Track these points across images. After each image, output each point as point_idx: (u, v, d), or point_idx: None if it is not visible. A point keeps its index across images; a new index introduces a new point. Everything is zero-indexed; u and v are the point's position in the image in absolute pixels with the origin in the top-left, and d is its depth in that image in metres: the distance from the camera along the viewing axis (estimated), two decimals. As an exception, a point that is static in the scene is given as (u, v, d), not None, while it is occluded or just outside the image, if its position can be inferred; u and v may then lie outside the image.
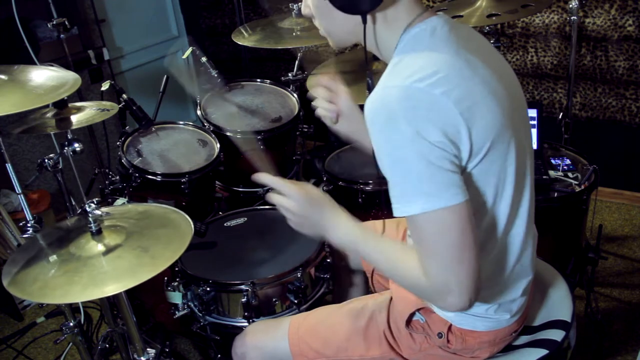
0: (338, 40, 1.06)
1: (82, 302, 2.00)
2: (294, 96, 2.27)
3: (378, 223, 1.54)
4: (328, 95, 1.29)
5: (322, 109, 1.29)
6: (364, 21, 0.97)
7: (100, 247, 1.22)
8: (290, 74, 2.34)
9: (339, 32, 1.04)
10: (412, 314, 1.16)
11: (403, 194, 0.90)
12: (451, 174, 0.88)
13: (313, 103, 1.32)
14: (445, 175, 0.88)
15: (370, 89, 1.06)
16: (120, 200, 1.76)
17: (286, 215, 1.12)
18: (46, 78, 1.41)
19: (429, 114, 0.87)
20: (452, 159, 0.89)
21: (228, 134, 2.04)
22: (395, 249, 1.02)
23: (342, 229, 1.08)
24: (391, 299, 1.22)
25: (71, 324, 1.63)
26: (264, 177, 1.14)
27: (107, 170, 2.63)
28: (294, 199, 1.09)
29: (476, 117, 0.90)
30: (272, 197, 1.12)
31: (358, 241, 1.06)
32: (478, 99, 0.91)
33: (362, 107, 1.82)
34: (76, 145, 1.59)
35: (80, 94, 2.68)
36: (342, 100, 1.29)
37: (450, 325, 1.11)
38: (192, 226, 1.28)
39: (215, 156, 1.95)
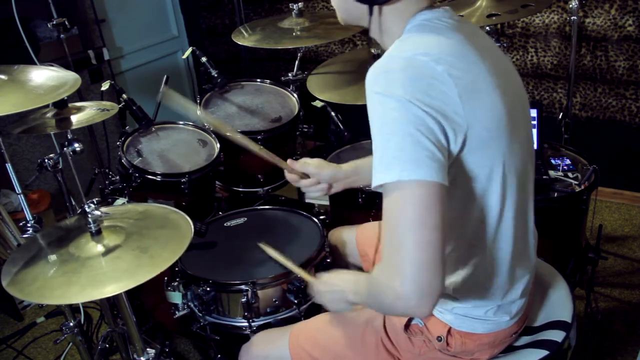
0: (345, 20, 1.07)
1: (82, 303, 2.00)
2: (294, 96, 2.27)
3: (378, 224, 1.54)
4: (307, 183, 1.38)
5: (313, 193, 1.39)
6: (370, 13, 0.98)
7: (99, 248, 1.22)
8: (290, 74, 2.34)
9: (347, 14, 1.05)
10: (411, 318, 1.16)
11: (383, 158, 0.87)
12: (435, 150, 0.85)
13: (306, 196, 1.39)
14: (429, 150, 0.85)
15: None
16: (120, 200, 1.76)
17: (325, 304, 1.20)
18: (46, 78, 1.41)
19: (428, 86, 0.87)
20: (440, 137, 0.87)
21: (228, 134, 2.04)
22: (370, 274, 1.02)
23: (352, 285, 1.10)
24: None
25: (71, 324, 1.63)
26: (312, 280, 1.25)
27: (107, 170, 2.63)
28: (318, 294, 1.20)
29: (475, 104, 0.89)
30: (316, 299, 1.22)
31: (359, 286, 1.07)
32: (480, 87, 0.91)
33: (364, 107, 1.84)
34: (76, 145, 1.59)
35: (80, 94, 2.69)
36: (320, 175, 1.37)
37: (450, 328, 1.11)
38: (192, 227, 1.28)
39: (215, 156, 1.95)
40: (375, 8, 0.98)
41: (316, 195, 1.38)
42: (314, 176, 1.38)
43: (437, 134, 0.86)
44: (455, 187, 0.92)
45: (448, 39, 0.93)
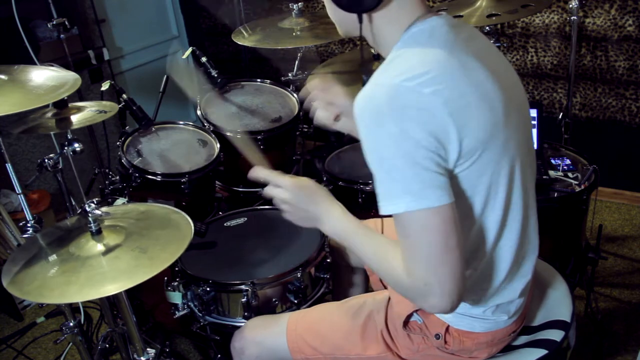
0: (344, 30, 1.07)
1: (81, 302, 2.00)
2: (294, 96, 2.27)
3: (378, 222, 1.54)
4: (326, 97, 1.31)
5: (321, 111, 1.32)
6: (360, 20, 0.98)
7: (99, 247, 1.22)
8: (290, 74, 2.34)
9: (343, 24, 1.05)
10: (410, 315, 1.16)
11: (388, 192, 0.90)
12: (437, 175, 0.88)
13: (312, 105, 1.33)
14: (431, 176, 0.87)
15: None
16: (120, 200, 1.76)
17: (282, 207, 1.14)
18: (46, 78, 1.41)
19: (417, 114, 0.87)
20: (439, 160, 0.88)
21: (228, 134, 2.04)
22: (383, 244, 1.02)
23: (334, 219, 1.09)
24: (389, 298, 1.22)
25: (71, 324, 1.63)
26: (259, 172, 1.17)
27: (107, 170, 2.63)
28: (288, 191, 1.11)
29: (466, 118, 0.89)
30: (268, 190, 1.15)
31: (349, 232, 1.07)
32: (469, 100, 0.91)
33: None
34: (76, 145, 1.59)
35: (80, 94, 2.69)
36: (340, 99, 1.30)
37: (448, 326, 1.11)
38: (192, 227, 1.28)
39: (215, 156, 1.95)
40: (365, 16, 0.98)
41: (322, 117, 1.33)
42: (333, 95, 1.32)
43: (434, 158, 0.88)
44: (456, 203, 0.92)
45: (434, 54, 0.92)
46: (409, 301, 1.09)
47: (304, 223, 1.14)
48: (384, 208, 0.91)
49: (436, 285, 0.90)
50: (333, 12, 1.04)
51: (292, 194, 1.11)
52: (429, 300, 0.92)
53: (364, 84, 1.07)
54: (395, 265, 0.95)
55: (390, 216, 0.93)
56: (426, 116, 0.87)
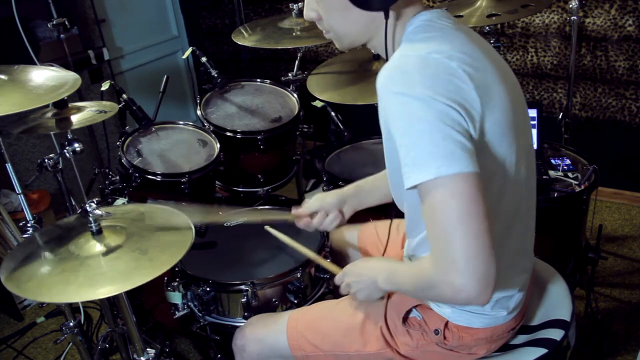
0: (350, 41, 1.06)
1: (81, 302, 2.00)
2: (294, 96, 2.27)
3: (379, 225, 1.54)
4: (319, 216, 1.39)
5: (328, 223, 1.40)
6: (386, 16, 0.97)
7: (99, 247, 1.22)
8: (290, 74, 2.34)
9: (351, 32, 1.04)
10: (409, 311, 1.16)
11: (416, 158, 0.86)
12: (465, 140, 0.86)
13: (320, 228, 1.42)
14: (460, 142, 0.85)
15: None
16: (120, 200, 1.76)
17: (355, 294, 1.18)
18: (46, 78, 1.41)
19: (447, 81, 0.88)
20: (466, 127, 0.88)
21: (228, 134, 2.05)
22: (415, 265, 1.04)
23: (385, 274, 1.10)
24: (389, 295, 1.22)
25: (71, 324, 1.63)
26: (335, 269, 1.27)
27: (107, 170, 2.63)
28: (347, 275, 1.19)
29: (489, 99, 0.91)
30: (342, 289, 1.22)
31: (398, 282, 1.08)
32: (491, 84, 0.93)
33: (364, 107, 1.85)
34: (76, 145, 1.59)
35: (80, 94, 2.69)
36: (325, 205, 1.39)
37: (447, 321, 1.12)
38: (193, 230, 1.28)
39: (215, 156, 1.95)
40: (379, 15, 0.98)
41: (334, 226, 1.41)
42: (321, 210, 1.39)
43: (463, 125, 0.87)
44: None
45: (455, 37, 0.95)
46: (443, 303, 1.11)
47: (374, 296, 1.16)
48: (412, 177, 0.87)
49: (462, 260, 0.84)
50: (341, 22, 1.03)
51: (349, 287, 1.18)
52: (454, 282, 0.85)
53: None
54: (422, 267, 0.95)
55: (392, 218, 0.93)
56: (455, 85, 0.88)
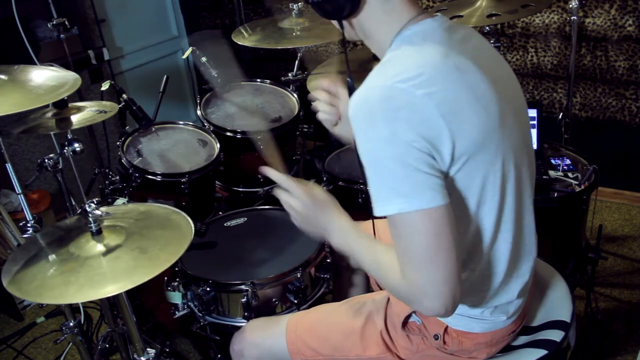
0: (369, 44, 1.07)
1: (81, 302, 2.00)
2: (294, 96, 2.27)
3: (377, 223, 1.54)
4: (329, 98, 1.31)
5: (323, 111, 1.31)
6: (341, 26, 1.01)
7: (99, 248, 1.22)
8: (290, 74, 2.34)
9: (350, 36, 1.07)
10: (409, 316, 1.16)
11: (380, 193, 0.90)
12: (429, 176, 0.87)
13: (314, 104, 1.33)
14: (423, 177, 0.87)
15: (350, 90, 1.09)
16: (120, 200, 1.76)
17: (290, 212, 1.15)
18: (46, 78, 1.41)
19: (409, 116, 0.87)
20: (431, 162, 0.88)
21: (228, 134, 2.05)
22: (382, 251, 1.02)
23: (341, 230, 1.10)
24: (388, 299, 1.22)
25: (71, 324, 1.63)
26: (272, 173, 1.18)
27: (107, 170, 2.63)
28: (299, 198, 1.13)
29: (459, 120, 0.89)
30: (278, 194, 1.16)
31: (351, 243, 1.08)
32: (463, 103, 0.91)
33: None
34: (76, 145, 1.59)
35: (80, 94, 2.68)
36: (342, 103, 1.30)
37: (447, 327, 1.11)
38: (193, 228, 1.28)
39: (215, 156, 1.95)
40: (345, 22, 1.01)
41: (323, 116, 1.33)
42: (337, 98, 1.31)
43: (426, 159, 0.88)
44: (451, 204, 0.91)
45: (428, 57, 0.92)
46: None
47: (311, 230, 1.15)
48: (377, 209, 0.91)
49: (429, 287, 0.90)
50: (347, 31, 1.05)
51: (302, 202, 1.13)
52: (423, 303, 0.91)
53: (349, 88, 1.08)
54: (392, 270, 0.96)
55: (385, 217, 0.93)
56: (418, 118, 0.87)
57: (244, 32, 2.32)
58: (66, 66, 2.01)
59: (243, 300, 1.43)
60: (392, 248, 0.96)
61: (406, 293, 0.95)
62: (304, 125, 2.25)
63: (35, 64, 2.25)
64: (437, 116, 0.87)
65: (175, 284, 1.54)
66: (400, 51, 0.96)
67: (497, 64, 1.04)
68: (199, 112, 2.14)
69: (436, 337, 1.12)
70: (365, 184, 1.89)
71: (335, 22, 1.03)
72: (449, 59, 0.92)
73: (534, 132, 1.90)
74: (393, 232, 0.92)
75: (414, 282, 0.91)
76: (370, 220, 1.56)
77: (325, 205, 1.13)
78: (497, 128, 0.94)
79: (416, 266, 0.90)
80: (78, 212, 1.38)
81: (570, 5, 2.10)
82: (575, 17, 2.12)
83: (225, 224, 1.74)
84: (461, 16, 2.00)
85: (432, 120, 0.87)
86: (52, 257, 1.22)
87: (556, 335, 1.19)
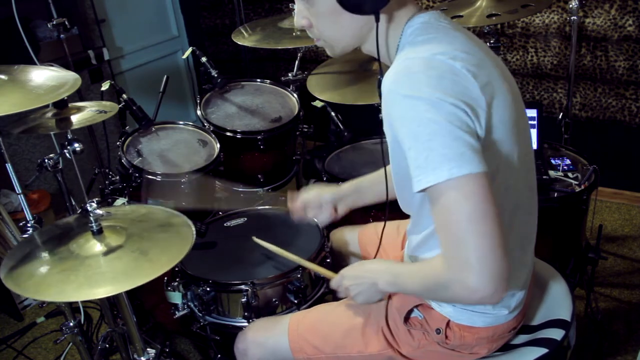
0: (342, 47, 1.07)
1: (82, 302, 2.00)
2: (294, 96, 2.27)
3: (379, 225, 1.54)
4: (310, 208, 1.42)
5: (321, 216, 1.43)
6: (377, 19, 0.98)
7: (99, 247, 1.22)
8: (290, 74, 2.34)
9: (343, 37, 1.05)
10: (410, 311, 1.16)
11: (427, 161, 0.86)
12: (474, 141, 0.87)
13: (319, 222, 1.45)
14: (469, 142, 0.86)
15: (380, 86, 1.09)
16: (120, 200, 1.76)
17: (354, 297, 1.17)
18: (46, 78, 1.41)
19: (453, 82, 0.89)
20: (474, 128, 0.89)
21: (228, 134, 2.05)
22: (422, 265, 1.04)
23: (387, 276, 1.09)
24: (390, 296, 1.22)
25: (71, 324, 1.63)
26: (332, 283, 1.23)
27: (107, 170, 2.63)
28: (345, 278, 1.17)
29: (493, 97, 0.92)
30: (340, 293, 1.20)
31: (400, 282, 1.07)
32: (494, 82, 0.94)
33: (364, 107, 1.86)
34: (76, 145, 1.59)
35: (80, 94, 2.69)
36: (322, 199, 1.41)
37: (449, 321, 1.12)
38: (194, 232, 1.28)
39: (215, 156, 1.95)
40: (383, 15, 0.99)
41: (326, 220, 1.43)
42: (317, 203, 1.41)
43: (470, 125, 0.88)
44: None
45: (455, 38, 0.95)
46: (457, 303, 1.10)
47: (374, 298, 1.15)
48: (423, 180, 0.87)
49: (475, 260, 0.85)
50: (333, 28, 1.04)
51: (348, 290, 1.16)
52: (468, 282, 0.86)
53: (379, 82, 1.07)
54: (434, 269, 0.95)
55: (392, 219, 0.93)
56: (461, 85, 0.89)
57: (244, 32, 2.32)
58: (66, 66, 2.01)
59: (243, 300, 1.43)
60: (427, 261, 0.96)
61: (449, 276, 0.90)
62: (304, 125, 2.25)
63: (35, 64, 2.25)
64: (476, 87, 0.90)
65: (175, 284, 1.53)
66: (422, 35, 0.96)
67: (500, 62, 1.06)
68: (199, 112, 2.14)
69: (438, 332, 1.12)
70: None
71: (351, 22, 1.00)
72: (473, 43, 0.96)
73: (534, 132, 1.90)
74: (437, 205, 0.89)
75: (458, 259, 0.87)
76: (371, 225, 1.57)
77: (364, 267, 1.15)
78: (515, 117, 0.97)
79: (461, 237, 0.86)
80: (78, 211, 1.38)
81: (570, 5, 2.10)
82: (575, 17, 2.12)
83: (225, 224, 1.74)
84: (461, 16, 2.00)
85: (473, 90, 0.90)
86: (51, 254, 1.22)
87: (557, 333, 1.19)
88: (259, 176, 2.16)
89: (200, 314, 1.52)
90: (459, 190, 0.86)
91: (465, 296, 0.90)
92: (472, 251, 0.86)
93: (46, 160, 1.58)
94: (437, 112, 0.86)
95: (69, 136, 1.61)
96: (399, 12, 1.00)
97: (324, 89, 2.12)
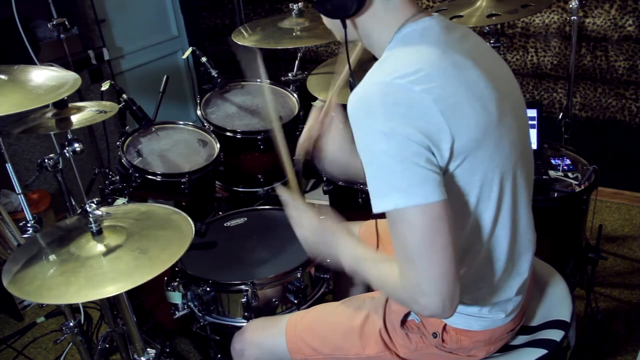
0: (339, 36, 1.08)
1: (82, 302, 2.00)
2: (294, 96, 2.27)
3: (380, 221, 1.54)
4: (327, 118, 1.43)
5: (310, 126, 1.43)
6: (344, 26, 1.01)
7: (100, 248, 1.22)
8: (290, 74, 2.34)
9: (335, 31, 1.08)
10: (408, 314, 1.16)
11: (378, 188, 0.90)
12: (427, 171, 0.88)
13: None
14: (421, 173, 0.87)
15: (352, 88, 1.09)
16: (120, 200, 1.76)
17: (299, 234, 1.19)
18: (46, 78, 1.41)
19: (408, 111, 0.87)
20: (429, 157, 0.88)
21: (228, 134, 2.05)
22: (384, 261, 1.03)
23: (351, 255, 1.10)
24: (387, 298, 1.22)
25: (71, 324, 1.63)
26: (282, 192, 1.23)
27: (107, 170, 2.63)
28: (309, 223, 1.17)
29: (458, 117, 0.90)
30: (291, 212, 1.21)
31: (361, 263, 1.08)
32: (461, 99, 0.91)
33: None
34: (76, 145, 1.59)
35: (80, 94, 2.69)
36: (331, 134, 1.42)
37: (445, 325, 1.11)
38: (193, 229, 1.28)
39: (215, 156, 1.95)
40: (351, 21, 1.00)
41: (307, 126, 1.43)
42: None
43: (425, 154, 0.88)
44: (450, 201, 0.92)
45: (426, 54, 0.93)
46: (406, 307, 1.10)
47: (319, 253, 1.17)
48: (374, 206, 0.91)
49: (425, 284, 0.89)
50: (325, 19, 1.07)
51: (312, 228, 1.17)
52: (420, 302, 0.91)
53: (350, 85, 1.09)
54: (392, 276, 0.96)
55: (384, 216, 0.93)
56: (417, 113, 0.88)
57: (244, 32, 2.32)
58: (66, 66, 2.01)
59: (243, 300, 1.43)
60: (393, 259, 0.96)
61: (404, 293, 0.95)
62: (304, 125, 2.25)
63: (35, 64, 2.25)
64: (435, 112, 0.88)
65: (175, 284, 1.54)
66: (399, 49, 0.96)
67: (495, 62, 1.04)
68: (199, 112, 2.14)
69: (435, 336, 1.12)
70: (365, 184, 1.90)
71: (334, 22, 1.04)
72: (447, 56, 0.93)
73: (533, 132, 1.90)
74: (390, 229, 0.92)
75: (411, 280, 0.91)
76: (372, 221, 1.57)
77: (334, 230, 1.15)
78: (496, 125, 0.95)
79: (412, 263, 0.90)
80: (78, 212, 1.38)
81: (570, 5, 2.10)
82: (575, 17, 2.12)
83: (225, 224, 1.75)
84: (461, 16, 2.00)
85: (431, 116, 0.88)
86: (52, 257, 1.23)
87: (556, 334, 1.19)
88: (259, 176, 2.16)
89: (200, 314, 1.53)
90: (406, 221, 0.89)
91: (417, 311, 0.98)
92: (422, 277, 0.90)
93: (46, 160, 1.58)
94: (388, 143, 0.87)
95: (69, 136, 1.61)
96: (387, 15, 0.98)
97: (324, 89, 2.12)
